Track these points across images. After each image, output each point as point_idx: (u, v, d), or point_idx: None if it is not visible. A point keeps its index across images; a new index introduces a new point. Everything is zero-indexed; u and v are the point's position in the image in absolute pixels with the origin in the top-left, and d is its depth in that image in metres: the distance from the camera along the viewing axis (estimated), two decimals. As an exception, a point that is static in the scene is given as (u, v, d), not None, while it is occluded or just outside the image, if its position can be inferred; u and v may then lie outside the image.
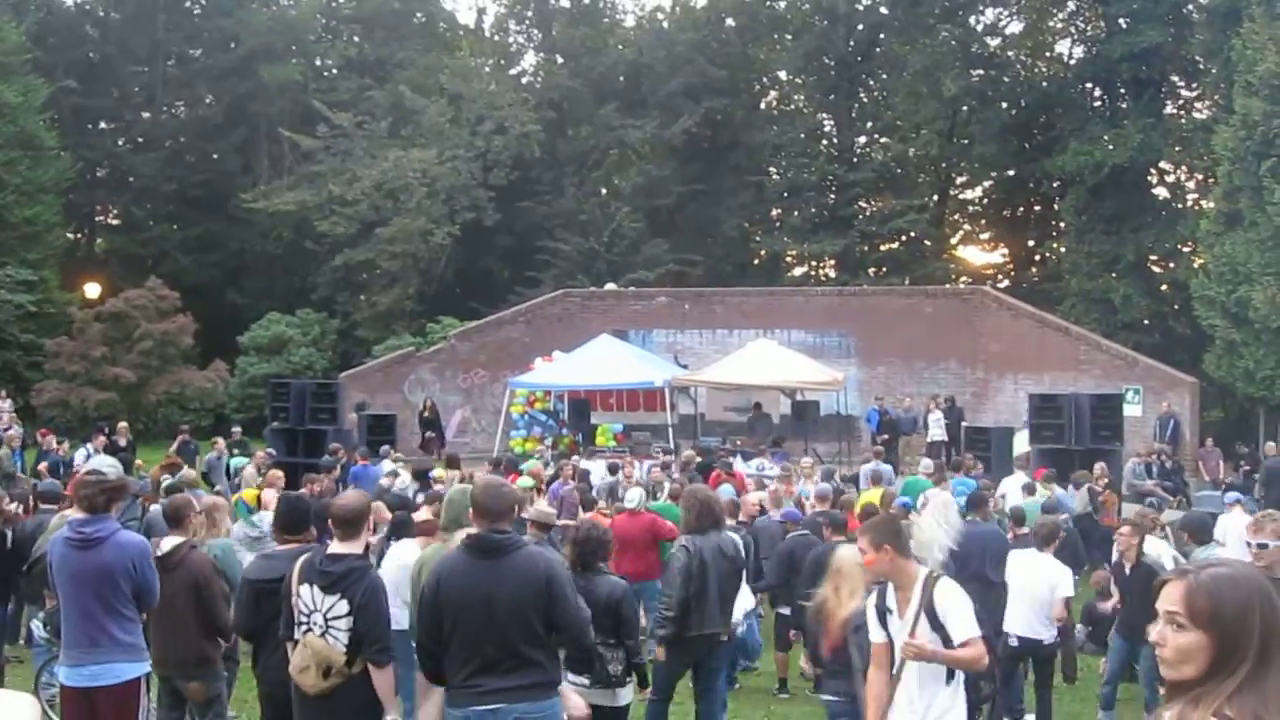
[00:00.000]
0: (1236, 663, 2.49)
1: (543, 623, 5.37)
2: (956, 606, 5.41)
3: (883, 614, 5.63)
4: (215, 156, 44.47)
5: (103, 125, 45.27)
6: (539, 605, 5.36)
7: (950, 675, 5.50)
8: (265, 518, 11.65)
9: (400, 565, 8.07)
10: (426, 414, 26.43)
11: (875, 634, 5.71)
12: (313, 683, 5.53)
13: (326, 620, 5.56)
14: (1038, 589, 9.42)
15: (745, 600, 9.56)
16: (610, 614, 6.72)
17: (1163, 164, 37.53)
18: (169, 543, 7.10)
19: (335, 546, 5.74)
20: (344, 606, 5.54)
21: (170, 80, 45.43)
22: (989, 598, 9.83)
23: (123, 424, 23.44)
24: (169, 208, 43.48)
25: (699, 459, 17.86)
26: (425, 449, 23.73)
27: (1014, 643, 9.46)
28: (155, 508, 12.34)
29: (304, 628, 5.62)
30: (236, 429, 24.95)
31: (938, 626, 5.37)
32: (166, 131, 45.29)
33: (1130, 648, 9.58)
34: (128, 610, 6.33)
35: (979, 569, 9.86)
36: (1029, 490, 14.49)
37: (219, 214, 41.61)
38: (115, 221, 46.25)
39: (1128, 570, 9.61)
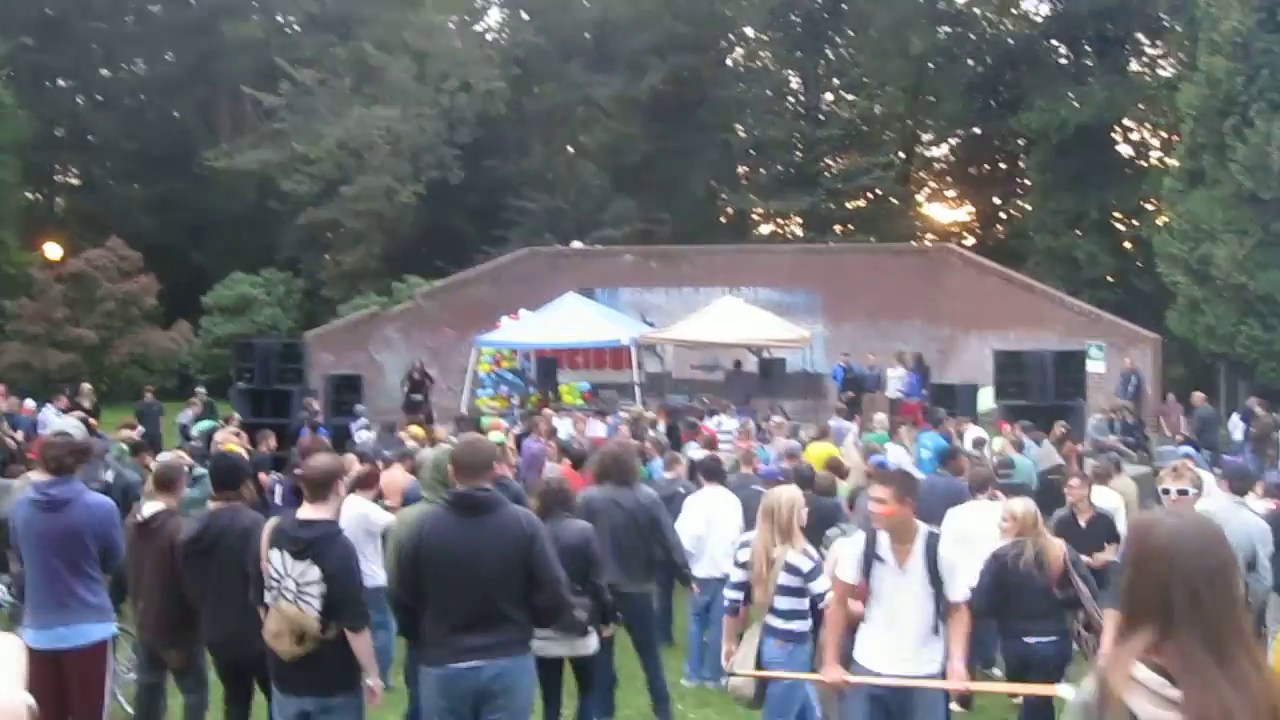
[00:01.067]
0: (1153, 609, 2.51)
1: (524, 580, 5.43)
2: (955, 568, 5.73)
3: (869, 559, 5.77)
4: (176, 115, 43.98)
5: (61, 83, 44.62)
6: (522, 563, 5.41)
7: (939, 624, 5.75)
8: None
9: (354, 518, 8.18)
10: (415, 375, 25.96)
11: (849, 574, 5.87)
12: (287, 649, 5.51)
13: (298, 586, 5.52)
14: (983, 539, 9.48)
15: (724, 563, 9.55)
16: (579, 555, 6.79)
17: (1127, 122, 37.75)
18: (151, 508, 7.03)
19: (305, 510, 5.69)
20: (315, 573, 5.50)
21: (130, 37, 44.83)
22: None
23: (86, 385, 23.29)
24: (130, 167, 42.98)
25: (646, 413, 17.98)
26: (410, 410, 23.27)
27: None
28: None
29: (274, 593, 5.58)
30: (201, 389, 24.80)
31: (936, 581, 5.59)
32: (126, 89, 44.76)
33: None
34: (94, 572, 6.33)
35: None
36: (978, 444, 14.61)
37: (181, 173, 41.15)
38: (75, 181, 45.73)
39: (1082, 523, 9.58)
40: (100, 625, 6.36)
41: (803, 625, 6.63)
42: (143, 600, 7.00)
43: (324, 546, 5.55)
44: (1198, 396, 21.93)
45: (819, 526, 8.49)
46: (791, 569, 6.60)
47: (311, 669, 5.53)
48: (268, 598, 5.63)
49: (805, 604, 6.60)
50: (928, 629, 5.72)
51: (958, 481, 10.68)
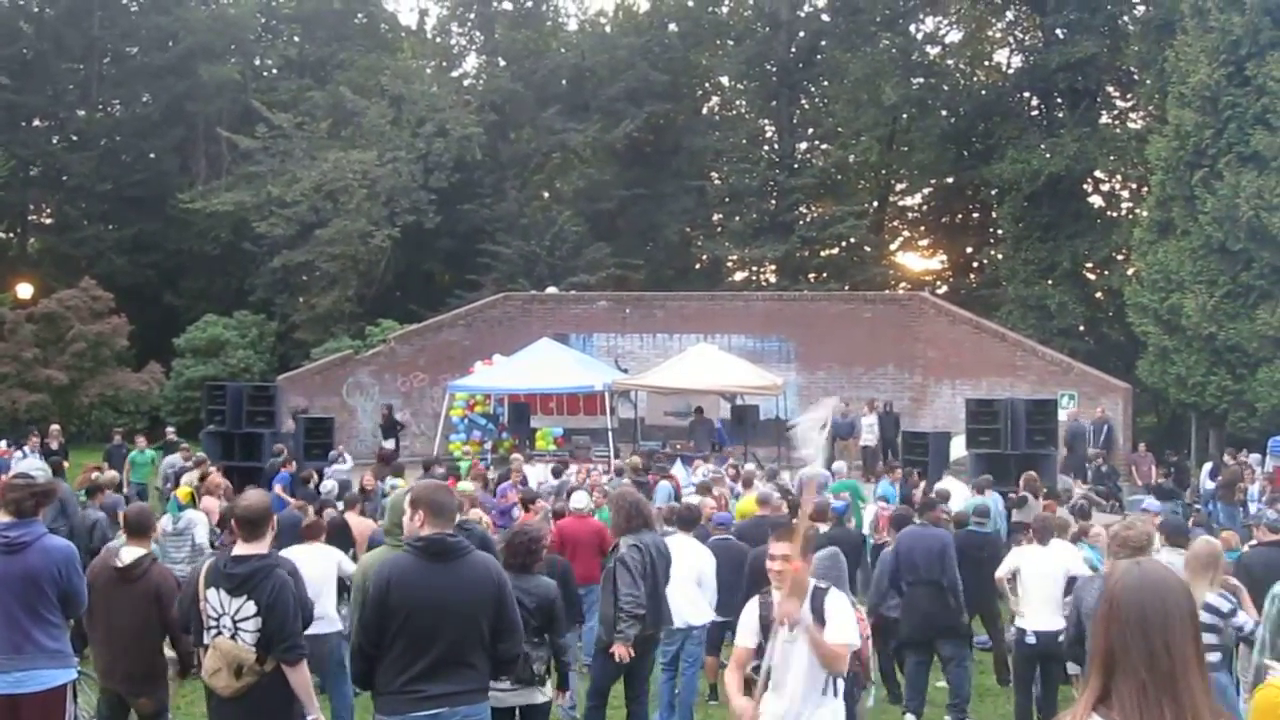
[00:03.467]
0: (1100, 655, 2.53)
1: (490, 628, 5.36)
2: (842, 614, 5.68)
3: (766, 624, 5.73)
4: (152, 156, 43.85)
5: (36, 123, 44.45)
6: (489, 610, 5.35)
7: (827, 686, 5.64)
8: (189, 516, 11.58)
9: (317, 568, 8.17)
10: (384, 421, 26.02)
11: (746, 639, 5.86)
12: (225, 684, 5.48)
13: (235, 622, 5.52)
14: (1049, 581, 9.50)
15: (706, 610, 9.55)
16: (543, 614, 6.77)
17: (1098, 173, 38.11)
18: (130, 554, 6.95)
19: (240, 548, 5.68)
20: (251, 608, 5.50)
21: (106, 78, 44.80)
22: (942, 600, 9.94)
23: (55, 427, 23.06)
24: (104, 207, 42.83)
25: (628, 460, 17.93)
26: (383, 457, 23.11)
27: (1031, 640, 9.48)
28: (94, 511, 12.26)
29: (214, 631, 5.56)
30: (170, 430, 24.64)
31: (821, 628, 5.56)
32: (102, 130, 44.64)
33: None
34: (54, 616, 6.22)
35: (929, 574, 9.98)
36: (976, 490, 14.65)
37: (155, 214, 41.07)
38: (48, 221, 45.49)
39: None
40: (59, 670, 6.24)
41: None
42: (113, 646, 6.89)
43: (259, 580, 5.54)
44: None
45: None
46: (1211, 609, 6.87)
47: (250, 705, 5.49)
48: (206, 638, 5.59)
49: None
50: (814, 687, 5.61)
51: (938, 530, 10.72)
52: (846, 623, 5.65)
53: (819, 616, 5.56)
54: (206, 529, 11.66)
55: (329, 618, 8.76)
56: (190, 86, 41.87)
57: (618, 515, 8.35)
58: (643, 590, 7.89)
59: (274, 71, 46.50)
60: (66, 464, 18.40)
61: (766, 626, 5.73)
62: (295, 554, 9.04)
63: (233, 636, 5.50)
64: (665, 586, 8.33)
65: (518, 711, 6.85)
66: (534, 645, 6.70)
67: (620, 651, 7.92)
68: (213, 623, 5.57)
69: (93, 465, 16.12)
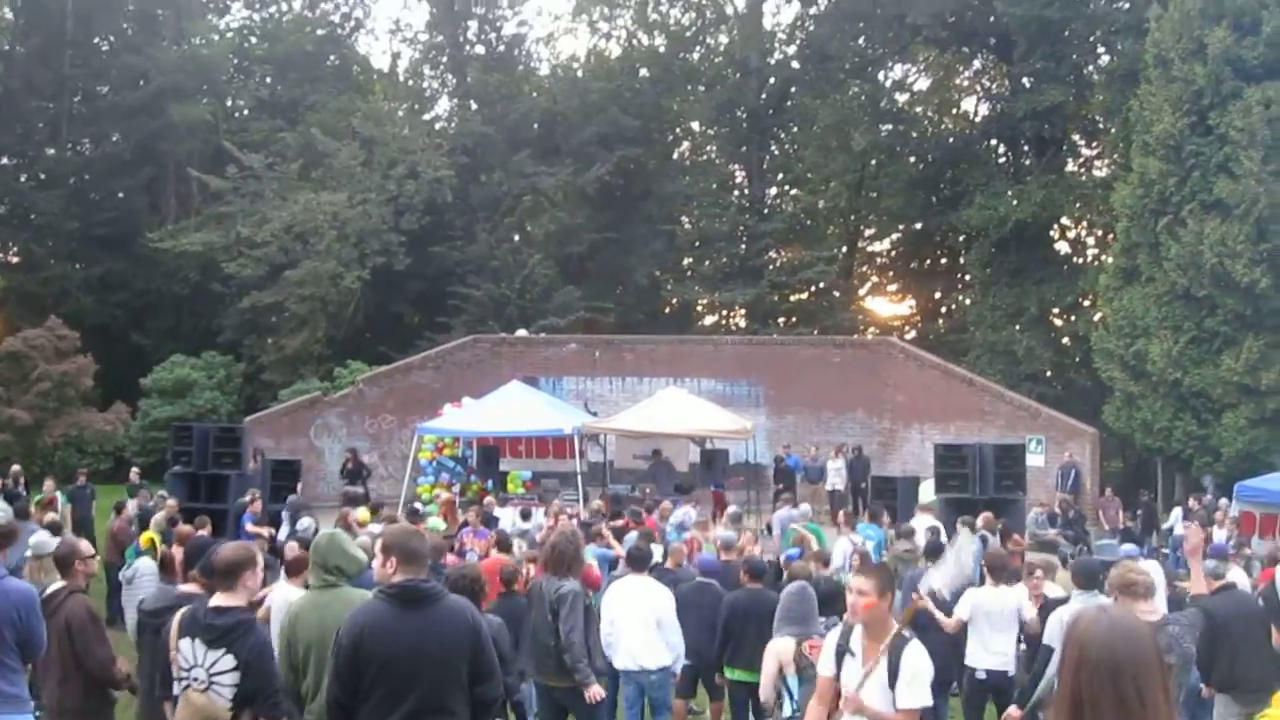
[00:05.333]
0: (1065, 698, 2.54)
1: (468, 673, 5.25)
2: (917, 673, 5.47)
3: (842, 653, 5.67)
4: (121, 195, 43.72)
5: (4, 161, 44.29)
6: (467, 655, 5.23)
7: None
8: (137, 565, 11.46)
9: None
10: (349, 465, 25.79)
11: (825, 668, 5.77)
12: None
13: (210, 676, 5.37)
14: (1002, 619, 9.52)
15: (661, 653, 9.45)
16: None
17: (1064, 220, 38.52)
18: (51, 588, 6.90)
19: (218, 599, 5.55)
20: (229, 662, 5.37)
21: (76, 117, 44.72)
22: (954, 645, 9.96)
23: (15, 467, 22.81)
24: (72, 246, 42.58)
25: (605, 507, 17.84)
26: (348, 501, 22.88)
27: (981, 676, 9.49)
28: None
29: (184, 683, 5.42)
30: (135, 470, 24.40)
31: (893, 684, 5.42)
32: (71, 168, 44.49)
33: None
34: (10, 660, 6.13)
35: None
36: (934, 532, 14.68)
37: (123, 254, 40.89)
38: (15, 259, 45.16)
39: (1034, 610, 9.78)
40: (15, 716, 6.16)
41: None
42: (49, 682, 6.79)
43: (240, 635, 5.42)
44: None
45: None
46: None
47: None
48: (175, 689, 5.45)
49: None
50: None
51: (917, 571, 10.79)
52: (920, 682, 5.46)
53: (894, 668, 5.46)
54: (151, 583, 11.50)
55: None
56: (161, 126, 41.80)
57: (549, 558, 8.40)
58: (587, 635, 7.85)
59: (245, 112, 46.48)
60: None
61: (842, 654, 5.68)
62: (281, 590, 8.95)
63: (205, 690, 5.35)
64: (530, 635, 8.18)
65: None
66: None
67: (591, 692, 8.06)
68: (184, 674, 5.42)
69: (47, 498, 15.94)
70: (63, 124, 44.06)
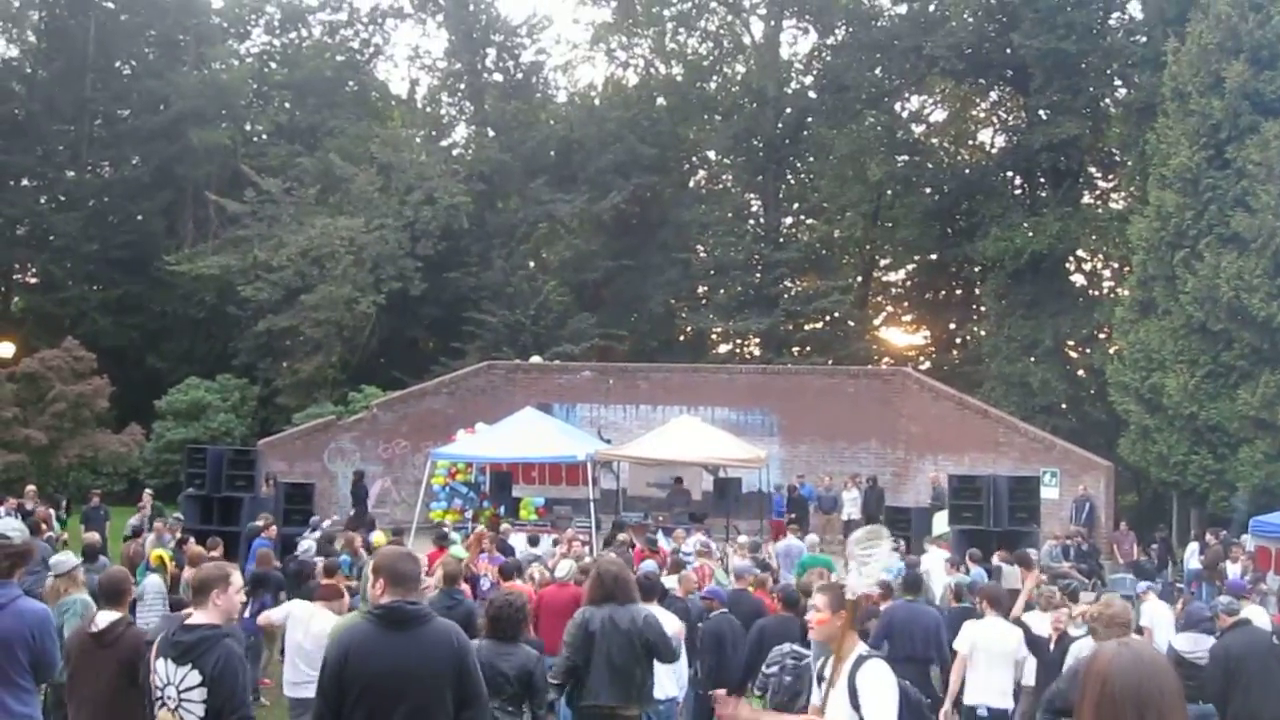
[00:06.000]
0: None
1: (454, 697, 5.23)
2: (876, 692, 5.36)
3: (820, 679, 5.66)
4: (139, 218, 43.97)
5: (25, 182, 44.59)
6: (451, 679, 5.21)
7: None
8: (145, 583, 11.47)
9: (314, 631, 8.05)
10: (354, 486, 25.97)
11: (816, 697, 5.75)
12: None
13: (179, 693, 5.37)
14: (1000, 655, 9.48)
15: (668, 684, 9.42)
16: (523, 682, 6.65)
17: (1080, 252, 38.47)
18: (105, 618, 6.81)
19: (192, 616, 5.57)
20: (195, 677, 5.36)
21: (96, 140, 45.04)
22: (928, 679, 9.91)
23: (30, 487, 22.88)
24: (89, 268, 42.84)
25: (620, 535, 17.81)
26: (351, 524, 22.96)
27: (984, 714, 9.46)
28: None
29: (158, 703, 5.42)
30: (148, 492, 24.46)
31: (855, 705, 5.35)
32: (90, 191, 44.75)
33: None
34: (24, 681, 6.11)
35: (924, 652, 9.96)
36: (954, 566, 14.64)
37: (141, 276, 41.09)
38: (33, 280, 45.45)
39: (1051, 648, 9.70)
40: (28, 736, 6.15)
41: None
42: (88, 714, 6.73)
43: (204, 650, 5.41)
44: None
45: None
46: None
47: None
48: (155, 710, 5.47)
49: None
50: None
51: (930, 609, 10.75)
52: (885, 700, 5.33)
53: (852, 688, 5.42)
54: (158, 596, 11.51)
55: None
56: (180, 150, 42.07)
57: (589, 587, 8.23)
58: (568, 662, 7.72)
59: (264, 137, 46.75)
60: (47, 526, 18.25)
61: (820, 681, 5.67)
62: (304, 609, 8.94)
63: (175, 710, 5.34)
64: (625, 660, 7.92)
65: None
66: (510, 714, 6.58)
67: None
68: (158, 693, 5.43)
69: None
70: (83, 147, 44.38)
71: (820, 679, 5.67)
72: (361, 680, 5.16)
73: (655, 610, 9.58)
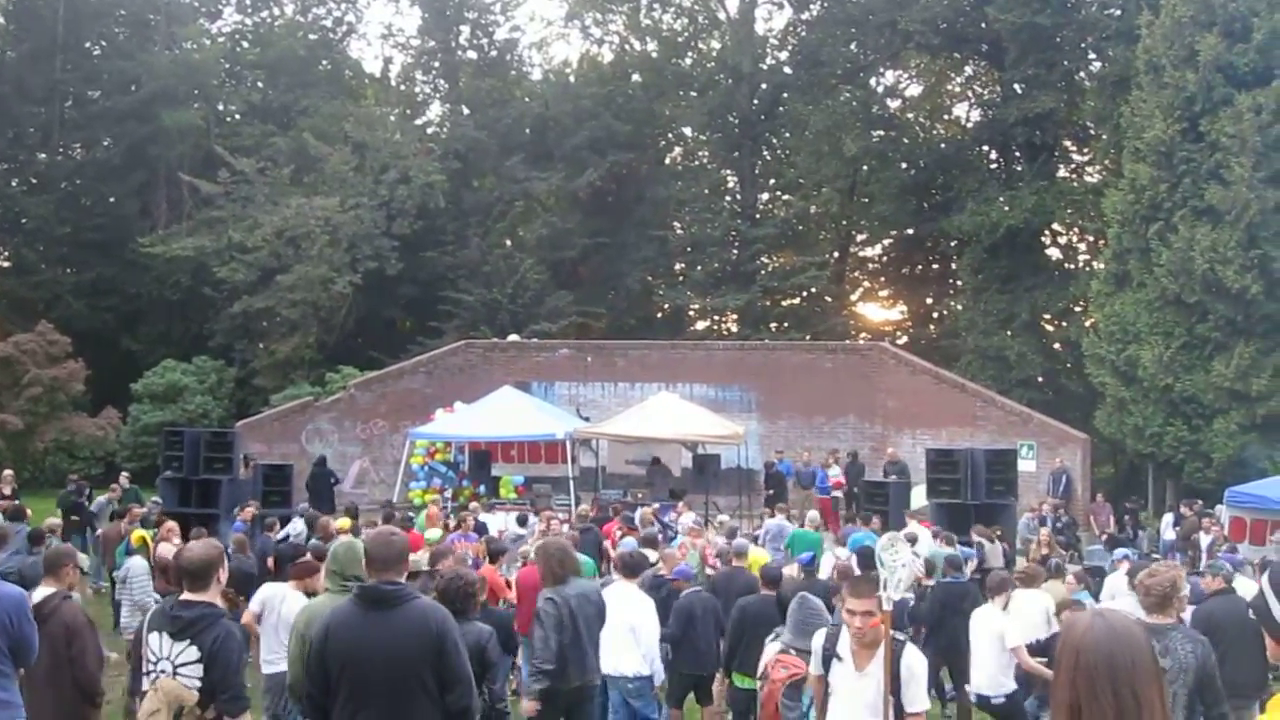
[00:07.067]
0: (1062, 704, 2.55)
1: (434, 678, 5.25)
2: (917, 677, 5.54)
3: (829, 656, 5.72)
4: (112, 200, 43.60)
5: (-4, 166, 44.23)
6: (430, 660, 5.24)
7: None
8: (129, 564, 11.43)
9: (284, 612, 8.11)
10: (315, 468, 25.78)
11: (816, 668, 5.88)
12: None
13: (175, 667, 5.41)
14: (993, 642, 9.53)
15: (639, 663, 9.46)
16: (476, 659, 6.66)
17: (1055, 226, 38.54)
18: (41, 593, 6.86)
19: (187, 595, 5.58)
20: (193, 653, 5.40)
21: (68, 121, 44.61)
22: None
23: (8, 472, 22.77)
24: (63, 250, 42.51)
25: (581, 507, 18.02)
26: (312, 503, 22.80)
27: (973, 699, 9.55)
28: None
29: (152, 676, 5.46)
30: (125, 475, 24.36)
31: (896, 690, 5.46)
32: (62, 173, 44.34)
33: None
34: (3, 665, 6.10)
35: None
36: (940, 540, 14.70)
37: (115, 258, 40.78)
38: (6, 264, 45.06)
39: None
40: (4, 720, 6.13)
41: None
42: (35, 690, 6.74)
43: (203, 627, 5.45)
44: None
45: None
46: None
47: None
48: (145, 683, 5.49)
49: None
50: None
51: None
52: (920, 686, 5.58)
53: (895, 673, 5.51)
54: (146, 581, 11.47)
55: None
56: (152, 131, 41.70)
57: (543, 566, 8.29)
58: (554, 644, 7.80)
59: (237, 117, 46.41)
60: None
61: (829, 658, 5.73)
62: (276, 590, 8.97)
63: (173, 677, 5.40)
64: (595, 635, 8.21)
65: None
66: None
67: (527, 707, 7.93)
68: (151, 667, 5.47)
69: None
70: (54, 128, 43.96)
71: (831, 656, 5.74)
72: (341, 660, 5.19)
73: (631, 589, 9.64)
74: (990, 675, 9.54)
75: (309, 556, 10.26)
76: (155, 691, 5.39)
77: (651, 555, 12.60)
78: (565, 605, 7.91)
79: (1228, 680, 8.80)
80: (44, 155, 44.63)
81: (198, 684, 5.38)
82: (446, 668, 5.29)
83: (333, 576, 6.59)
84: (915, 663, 5.57)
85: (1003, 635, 9.48)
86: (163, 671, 5.41)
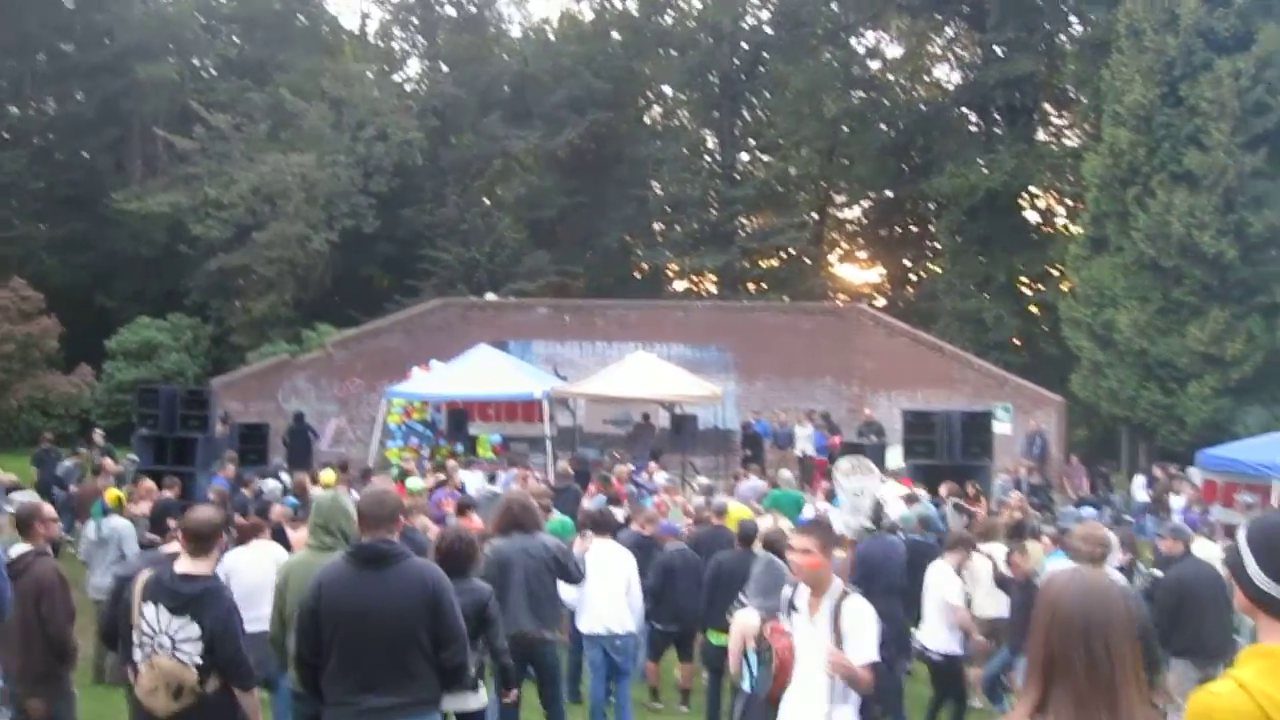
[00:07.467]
0: (1038, 662, 2.57)
1: (428, 637, 5.26)
2: (861, 627, 5.49)
3: (789, 608, 5.74)
4: (86, 155, 43.17)
5: (-34, 120, 43.70)
6: (424, 618, 5.24)
7: (848, 692, 5.57)
8: (114, 524, 11.38)
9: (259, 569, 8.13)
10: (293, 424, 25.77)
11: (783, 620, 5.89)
12: (164, 705, 5.30)
13: (174, 642, 5.33)
14: (940, 600, 9.62)
15: (627, 619, 9.56)
16: (478, 616, 6.68)
17: (1034, 189, 38.60)
18: (16, 550, 6.83)
19: (185, 565, 5.50)
20: (194, 630, 5.34)
21: (40, 75, 43.99)
22: (900, 608, 10.06)
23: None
24: (36, 206, 42.04)
25: (560, 463, 18.12)
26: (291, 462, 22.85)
27: (930, 655, 9.63)
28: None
29: (147, 649, 5.37)
30: (99, 433, 24.24)
31: (838, 642, 5.45)
32: (35, 128, 43.86)
33: (1014, 656, 9.86)
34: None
35: (900, 581, 10.11)
36: (910, 500, 14.79)
37: (89, 214, 40.35)
38: (-23, 219, 44.68)
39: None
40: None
41: None
42: (7, 647, 6.74)
43: (205, 603, 5.38)
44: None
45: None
46: None
47: None
48: (137, 655, 5.40)
49: None
50: (835, 689, 5.50)
51: (896, 539, 10.89)
52: (871, 635, 5.51)
53: (836, 624, 5.51)
54: (134, 539, 11.44)
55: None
56: (126, 85, 41.22)
57: (494, 516, 8.43)
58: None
59: (212, 72, 45.89)
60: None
61: (789, 610, 5.76)
62: (236, 556, 8.94)
63: (171, 656, 5.32)
64: (537, 586, 8.22)
65: (452, 718, 6.77)
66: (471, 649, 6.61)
67: None
68: (146, 639, 5.37)
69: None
70: (26, 82, 43.37)
71: (792, 608, 5.75)
72: (334, 619, 5.19)
73: (612, 547, 9.69)
74: (934, 630, 9.63)
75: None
76: (152, 669, 5.32)
77: (619, 513, 12.70)
78: (497, 556, 7.98)
79: (1199, 642, 8.94)
80: (15, 109, 44.08)
81: (197, 661, 5.32)
82: (442, 626, 5.29)
83: (315, 531, 6.55)
84: (859, 613, 5.52)
85: (947, 594, 9.58)
86: (160, 646, 5.33)
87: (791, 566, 5.79)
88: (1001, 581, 10.33)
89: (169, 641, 5.33)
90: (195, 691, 5.30)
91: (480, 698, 6.86)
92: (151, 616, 5.37)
